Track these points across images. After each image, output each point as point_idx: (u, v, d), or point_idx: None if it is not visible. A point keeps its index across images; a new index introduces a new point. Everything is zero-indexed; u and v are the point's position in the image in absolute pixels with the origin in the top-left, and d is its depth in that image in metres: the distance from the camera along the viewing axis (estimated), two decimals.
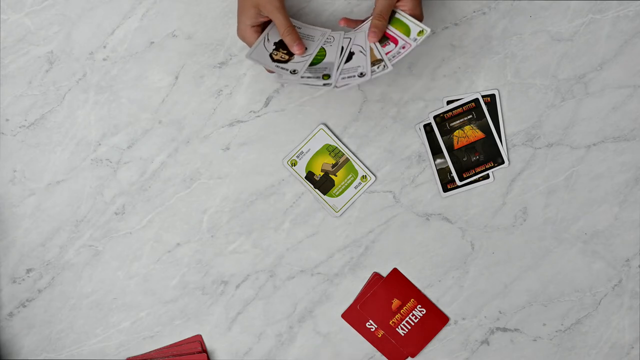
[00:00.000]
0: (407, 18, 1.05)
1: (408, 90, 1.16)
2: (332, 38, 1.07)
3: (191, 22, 1.16)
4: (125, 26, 1.16)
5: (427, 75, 1.16)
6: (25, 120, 1.16)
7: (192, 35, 1.16)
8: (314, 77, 1.04)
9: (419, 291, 1.15)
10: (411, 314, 1.15)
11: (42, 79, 1.16)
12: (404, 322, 1.15)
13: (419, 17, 1.06)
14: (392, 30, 1.06)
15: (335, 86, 1.03)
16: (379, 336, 1.15)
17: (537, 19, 1.16)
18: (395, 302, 1.15)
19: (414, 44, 1.04)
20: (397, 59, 1.04)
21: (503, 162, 1.15)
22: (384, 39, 1.06)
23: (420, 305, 1.15)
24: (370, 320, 1.15)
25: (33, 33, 1.16)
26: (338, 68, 1.05)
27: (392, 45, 1.06)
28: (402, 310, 1.15)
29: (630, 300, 1.16)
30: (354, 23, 1.09)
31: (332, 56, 1.06)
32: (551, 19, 1.16)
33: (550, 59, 1.16)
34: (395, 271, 1.15)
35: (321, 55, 1.06)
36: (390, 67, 1.03)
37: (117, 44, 1.16)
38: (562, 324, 1.15)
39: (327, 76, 1.04)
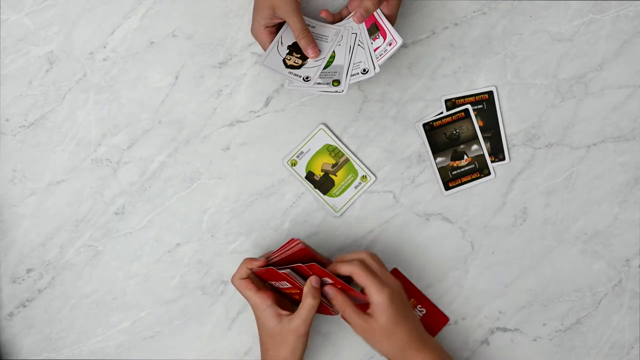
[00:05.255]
0: (384, 22, 1.06)
1: (408, 90, 1.16)
2: (341, 37, 1.08)
3: (191, 22, 1.16)
4: (125, 26, 1.16)
5: (427, 75, 1.16)
6: (25, 120, 1.16)
7: (192, 35, 1.16)
8: (324, 84, 1.05)
9: (418, 291, 1.15)
10: None
11: (42, 79, 1.16)
12: None
13: (393, 18, 1.07)
14: (382, 18, 1.06)
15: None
16: None
17: (537, 19, 1.16)
18: None
19: (399, 41, 1.05)
20: (384, 58, 1.05)
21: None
22: (375, 29, 1.07)
23: (420, 305, 1.15)
24: None
25: (33, 33, 1.16)
26: (347, 73, 1.05)
27: (380, 39, 1.06)
28: None
29: (630, 300, 1.16)
30: (332, 17, 1.09)
31: (341, 58, 1.06)
32: (551, 19, 1.16)
33: (550, 59, 1.16)
34: (395, 271, 1.15)
35: (331, 57, 1.07)
36: (377, 69, 1.05)
37: (117, 44, 1.16)
38: (562, 324, 1.15)
39: (337, 82, 1.05)
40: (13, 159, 1.16)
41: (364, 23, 1.07)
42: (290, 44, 1.07)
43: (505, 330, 1.15)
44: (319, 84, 1.05)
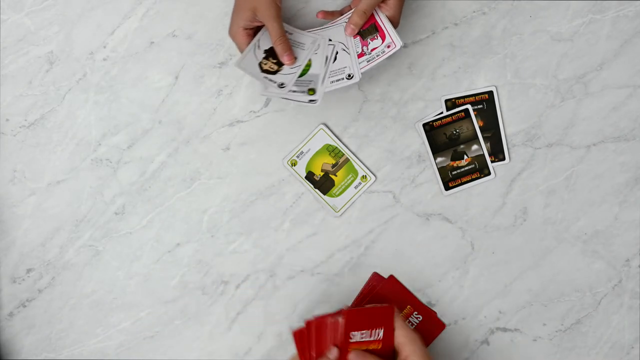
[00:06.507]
0: (384, 23, 1.06)
1: (408, 90, 1.16)
2: (317, 46, 1.08)
3: (191, 22, 1.16)
4: (125, 26, 1.16)
5: (427, 75, 1.16)
6: (25, 120, 1.16)
7: (192, 35, 1.16)
8: (299, 92, 1.05)
9: (415, 298, 1.15)
10: (407, 320, 1.14)
11: (42, 79, 1.16)
12: None
13: (396, 22, 1.07)
14: (382, 20, 1.06)
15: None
16: None
17: (537, 19, 1.16)
18: None
19: (398, 45, 1.05)
20: (376, 62, 1.05)
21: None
22: (374, 30, 1.06)
23: (416, 312, 1.14)
24: None
25: (33, 33, 1.16)
26: (322, 81, 1.05)
27: (379, 40, 1.06)
28: None
29: (630, 300, 1.16)
30: (331, 15, 1.10)
31: (318, 67, 1.06)
32: (551, 19, 1.16)
33: (550, 59, 1.16)
34: (391, 278, 1.15)
35: (307, 65, 1.07)
36: (359, 77, 1.05)
37: (117, 44, 1.16)
38: (562, 324, 1.15)
39: (312, 91, 1.05)
40: (13, 159, 1.16)
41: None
42: (267, 48, 1.07)
43: (505, 330, 1.15)
44: (294, 91, 1.05)
